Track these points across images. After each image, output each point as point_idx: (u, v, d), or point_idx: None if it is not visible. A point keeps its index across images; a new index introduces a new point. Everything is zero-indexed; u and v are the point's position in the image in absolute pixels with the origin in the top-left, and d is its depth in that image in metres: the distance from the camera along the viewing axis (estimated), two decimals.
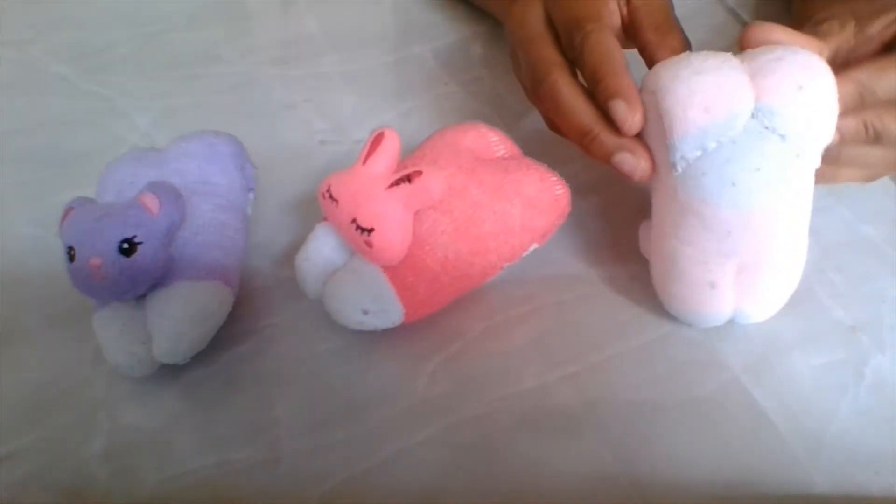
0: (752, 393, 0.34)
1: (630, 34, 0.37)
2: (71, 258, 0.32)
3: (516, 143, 0.40)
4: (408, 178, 0.32)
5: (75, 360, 0.36)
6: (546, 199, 0.37)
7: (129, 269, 0.32)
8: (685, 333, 0.36)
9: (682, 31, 0.37)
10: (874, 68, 0.32)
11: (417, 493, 0.31)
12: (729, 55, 0.31)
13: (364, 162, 0.33)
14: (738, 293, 0.34)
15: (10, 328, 0.38)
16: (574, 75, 0.35)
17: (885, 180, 0.41)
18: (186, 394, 0.35)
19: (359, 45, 0.54)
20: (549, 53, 0.36)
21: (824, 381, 0.34)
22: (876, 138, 0.32)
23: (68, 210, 0.34)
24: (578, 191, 0.41)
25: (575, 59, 0.35)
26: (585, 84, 0.34)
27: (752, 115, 0.30)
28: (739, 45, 0.32)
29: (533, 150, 0.41)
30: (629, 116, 0.32)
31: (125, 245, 0.32)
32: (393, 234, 0.32)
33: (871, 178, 0.36)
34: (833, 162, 0.33)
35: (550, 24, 0.37)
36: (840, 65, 0.33)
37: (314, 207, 0.35)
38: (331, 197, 0.33)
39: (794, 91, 0.30)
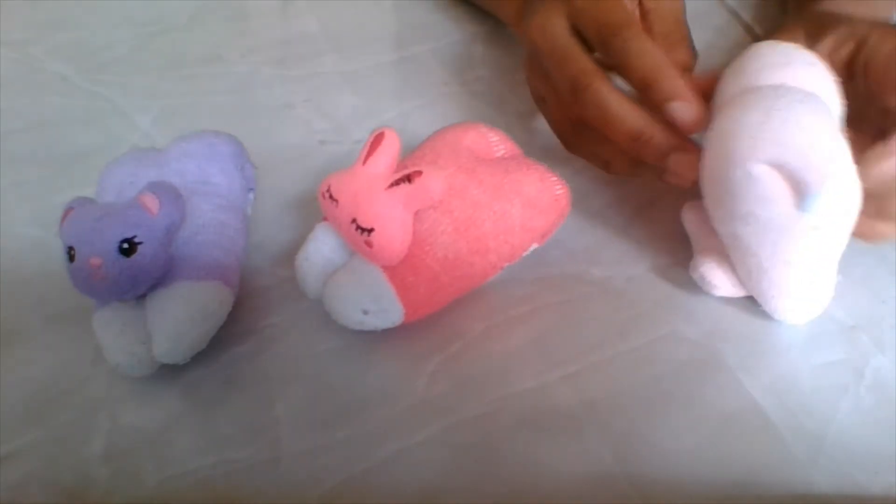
0: (752, 393, 0.34)
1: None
2: (71, 258, 0.32)
3: (517, 143, 0.40)
4: (408, 178, 0.32)
5: (75, 360, 0.36)
6: (546, 199, 0.37)
7: (129, 269, 0.32)
8: (685, 333, 0.36)
9: (690, 41, 0.37)
10: None
11: (417, 493, 0.31)
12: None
13: (364, 162, 0.33)
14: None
15: (10, 328, 0.38)
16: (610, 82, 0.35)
17: None
18: (186, 394, 0.35)
19: (359, 45, 0.54)
20: (584, 63, 0.35)
21: (824, 381, 0.34)
22: None
23: (68, 210, 0.34)
24: (578, 191, 0.41)
25: (617, 65, 0.34)
26: (634, 89, 0.34)
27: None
28: None
29: (533, 150, 0.41)
30: (689, 115, 0.32)
31: (125, 245, 0.32)
32: (393, 234, 0.32)
33: None
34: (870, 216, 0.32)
35: (576, 32, 0.36)
36: None
37: (314, 207, 0.35)
38: (331, 197, 0.33)
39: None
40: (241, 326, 0.37)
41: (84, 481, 0.32)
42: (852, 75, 0.34)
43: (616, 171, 0.38)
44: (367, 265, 0.34)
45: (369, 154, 0.33)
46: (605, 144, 0.36)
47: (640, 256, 0.39)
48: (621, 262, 0.39)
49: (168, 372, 0.35)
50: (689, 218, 0.37)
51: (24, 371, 0.36)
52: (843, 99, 0.33)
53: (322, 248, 0.35)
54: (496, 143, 0.39)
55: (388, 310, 0.34)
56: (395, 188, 0.32)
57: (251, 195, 0.41)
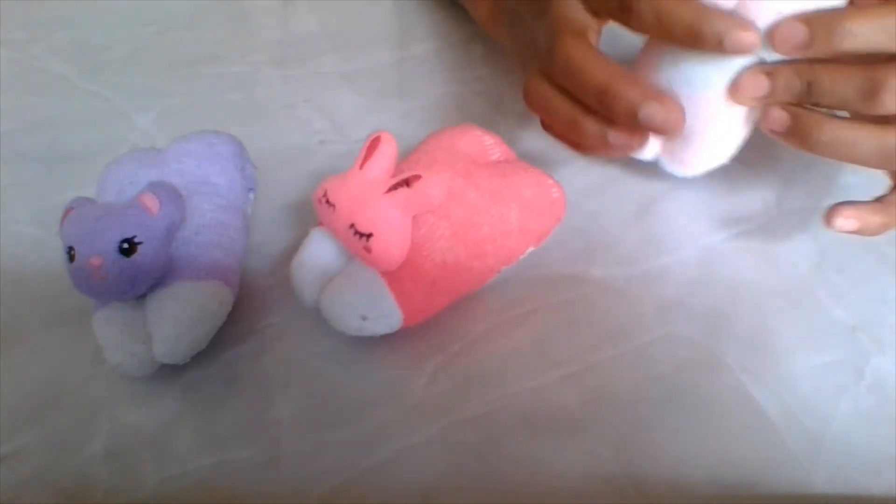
0: (752, 393, 0.34)
1: None
2: (71, 258, 0.32)
3: (517, 145, 0.40)
4: (406, 183, 0.32)
5: (75, 360, 0.36)
6: (543, 202, 0.37)
7: (129, 269, 0.32)
8: (685, 333, 0.36)
9: None
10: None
11: (417, 493, 0.31)
12: None
13: (361, 166, 0.33)
14: (663, 147, 0.37)
15: (10, 328, 0.38)
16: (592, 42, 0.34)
17: (886, 180, 0.41)
18: (186, 394, 0.35)
19: (359, 45, 0.54)
20: (566, 16, 0.34)
21: (824, 381, 0.34)
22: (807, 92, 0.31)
23: (68, 210, 0.34)
24: (578, 191, 0.41)
25: (647, 25, 0.32)
26: (678, 42, 0.32)
27: None
28: None
29: (533, 150, 0.41)
30: (749, 39, 0.30)
31: (125, 245, 0.32)
32: (392, 239, 0.32)
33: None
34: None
35: (589, 11, 0.35)
36: None
37: (314, 208, 0.35)
38: (327, 202, 0.33)
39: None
40: (241, 326, 0.37)
41: (84, 481, 0.32)
42: None
43: (587, 146, 0.37)
44: (365, 270, 0.34)
45: (366, 158, 0.33)
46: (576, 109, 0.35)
47: (640, 256, 0.39)
48: (621, 262, 0.39)
49: (168, 372, 0.35)
50: None
51: (24, 371, 0.36)
52: None
53: (318, 253, 0.35)
54: (491, 146, 0.39)
55: (386, 315, 0.34)
56: (393, 193, 0.32)
57: (251, 195, 0.41)
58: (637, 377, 0.35)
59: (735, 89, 0.32)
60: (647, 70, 0.35)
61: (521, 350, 0.36)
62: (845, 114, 0.33)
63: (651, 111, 0.32)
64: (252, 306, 0.38)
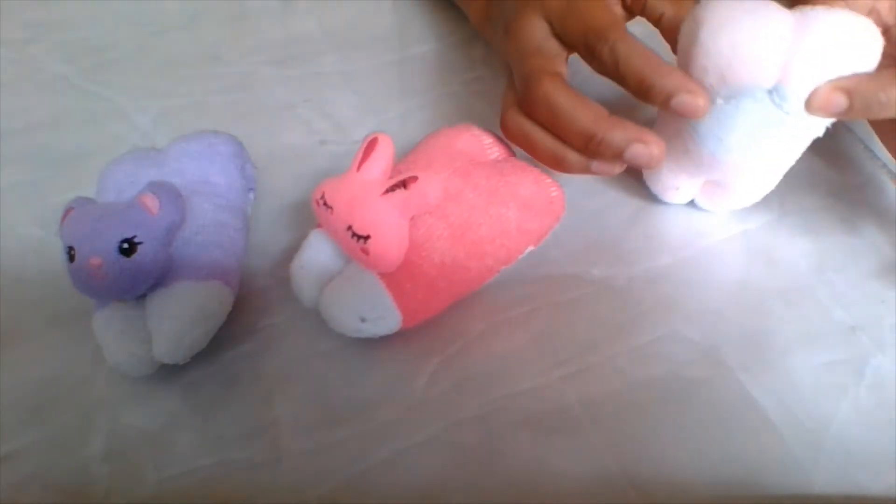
0: (752, 393, 0.34)
1: (637, 9, 0.37)
2: (71, 258, 0.32)
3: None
4: (403, 184, 0.32)
5: (75, 360, 0.36)
6: (541, 201, 0.36)
7: (129, 269, 0.32)
8: (685, 333, 0.36)
9: None
10: None
11: (417, 493, 0.31)
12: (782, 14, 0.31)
13: (358, 168, 0.33)
14: (701, 192, 0.40)
15: (10, 328, 0.38)
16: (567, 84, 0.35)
17: (885, 180, 0.41)
18: (186, 394, 0.35)
19: (359, 45, 0.54)
20: (540, 61, 0.35)
21: (824, 381, 0.34)
22: None
23: (68, 210, 0.34)
24: (578, 191, 0.41)
25: (608, 71, 0.34)
26: (631, 92, 0.33)
27: (769, 91, 0.31)
28: None
29: None
30: (695, 104, 0.32)
31: (125, 245, 0.32)
32: (389, 240, 0.32)
33: None
34: None
35: (556, 37, 0.36)
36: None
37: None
38: (325, 204, 0.33)
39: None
40: (241, 326, 0.37)
41: (84, 481, 0.32)
42: None
43: (570, 170, 0.37)
44: (364, 272, 0.34)
45: (363, 160, 0.33)
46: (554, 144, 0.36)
47: (640, 256, 0.39)
48: (621, 262, 0.39)
49: (168, 372, 0.35)
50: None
51: (24, 371, 0.36)
52: None
53: (317, 255, 0.35)
54: (489, 145, 0.39)
55: (385, 317, 0.34)
56: (390, 194, 0.32)
57: (251, 195, 0.41)
58: (637, 377, 0.35)
59: (811, 107, 0.32)
60: (676, 121, 0.35)
61: (521, 350, 0.36)
62: None
63: (636, 151, 0.33)
64: (252, 306, 0.38)
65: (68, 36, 0.56)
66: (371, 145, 0.33)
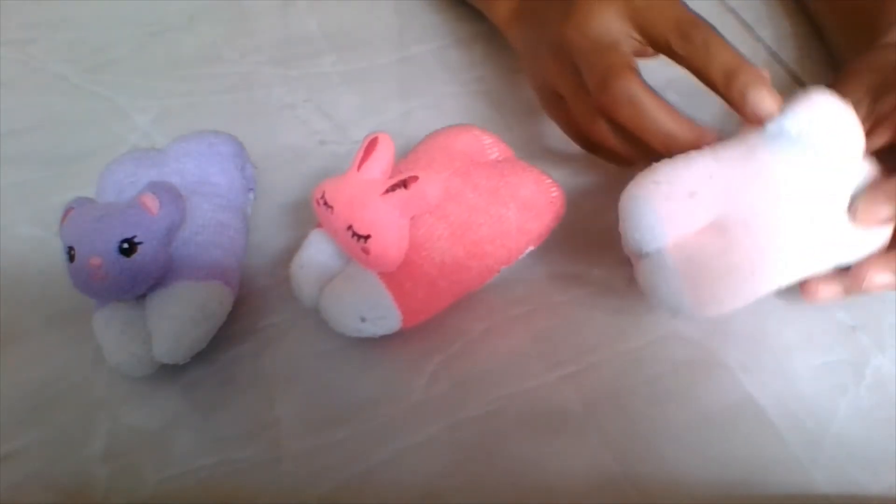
0: (752, 393, 0.34)
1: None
2: (71, 258, 0.32)
3: (516, 144, 0.40)
4: (404, 184, 0.32)
5: (75, 360, 0.36)
6: (541, 201, 0.36)
7: (129, 269, 0.32)
8: (685, 333, 0.36)
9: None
10: None
11: (418, 493, 0.31)
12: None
13: (358, 168, 0.33)
14: None
15: (10, 328, 0.38)
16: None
17: None
18: (186, 394, 0.35)
19: (359, 45, 0.54)
20: (621, 57, 0.35)
21: (824, 381, 0.34)
22: None
23: (68, 210, 0.34)
24: (578, 191, 0.41)
25: (695, 58, 0.34)
26: (712, 80, 0.33)
27: None
28: None
29: (532, 150, 0.41)
30: (768, 104, 0.32)
31: (125, 245, 0.32)
32: (390, 240, 0.32)
33: None
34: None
35: (641, 32, 0.36)
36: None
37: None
38: (325, 204, 0.33)
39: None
40: (241, 326, 0.37)
41: (84, 481, 0.32)
42: None
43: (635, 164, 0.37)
44: (364, 272, 0.34)
45: (363, 160, 0.33)
46: (628, 142, 0.36)
47: None
48: (621, 262, 0.39)
49: (168, 372, 0.35)
50: None
51: (24, 371, 0.36)
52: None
53: (317, 254, 0.35)
54: (490, 145, 0.39)
55: (385, 316, 0.34)
56: (391, 194, 0.32)
57: (251, 195, 0.41)
58: (637, 377, 0.35)
59: (858, 218, 0.32)
60: None
61: (521, 350, 0.36)
62: None
63: None
64: (252, 306, 0.38)
65: (68, 36, 0.56)
66: (371, 145, 0.33)
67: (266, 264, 0.40)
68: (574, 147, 0.41)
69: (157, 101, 0.50)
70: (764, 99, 0.32)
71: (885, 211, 0.31)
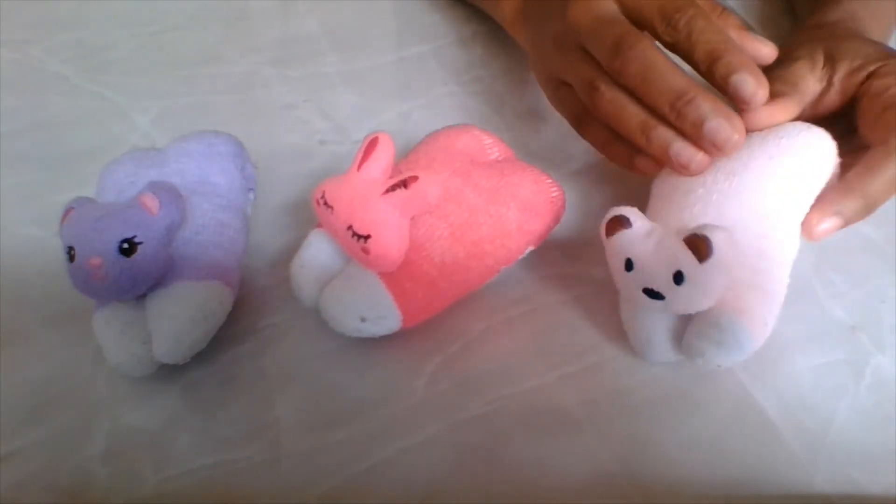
0: (752, 393, 0.34)
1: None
2: (71, 258, 0.32)
3: (516, 144, 0.40)
4: (404, 184, 0.32)
5: (75, 360, 0.36)
6: (542, 201, 0.36)
7: (129, 269, 0.32)
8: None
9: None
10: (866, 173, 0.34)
11: (418, 493, 0.31)
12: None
13: (359, 168, 0.33)
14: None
15: (10, 328, 0.38)
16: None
17: None
18: (186, 394, 0.35)
19: (359, 45, 0.54)
20: (630, 27, 0.35)
21: (824, 381, 0.34)
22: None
23: (68, 210, 0.34)
24: (578, 191, 0.41)
25: (679, 41, 0.34)
26: (697, 63, 0.34)
27: None
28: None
29: (533, 150, 0.41)
30: (752, 87, 0.32)
31: (125, 245, 0.32)
32: (390, 240, 0.32)
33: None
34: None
35: (629, 15, 0.36)
36: (807, 117, 0.36)
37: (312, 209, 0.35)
38: (325, 204, 0.33)
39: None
40: (241, 326, 0.37)
41: (84, 481, 0.32)
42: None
43: (640, 166, 0.37)
44: (364, 272, 0.34)
45: (363, 160, 0.33)
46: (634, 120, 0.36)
47: None
48: None
49: (168, 372, 0.35)
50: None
51: (24, 371, 0.36)
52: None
53: (317, 254, 0.35)
54: (490, 145, 0.39)
55: (385, 316, 0.34)
56: (391, 194, 0.32)
57: (251, 195, 0.41)
58: (637, 377, 0.35)
59: (811, 234, 0.34)
60: None
61: (521, 350, 0.36)
62: None
63: (717, 125, 0.32)
64: (252, 306, 0.38)
65: (68, 36, 0.56)
66: (371, 145, 0.33)
67: (266, 264, 0.40)
68: (574, 147, 0.41)
69: (158, 102, 0.50)
70: (746, 82, 0.32)
71: (833, 224, 0.34)
